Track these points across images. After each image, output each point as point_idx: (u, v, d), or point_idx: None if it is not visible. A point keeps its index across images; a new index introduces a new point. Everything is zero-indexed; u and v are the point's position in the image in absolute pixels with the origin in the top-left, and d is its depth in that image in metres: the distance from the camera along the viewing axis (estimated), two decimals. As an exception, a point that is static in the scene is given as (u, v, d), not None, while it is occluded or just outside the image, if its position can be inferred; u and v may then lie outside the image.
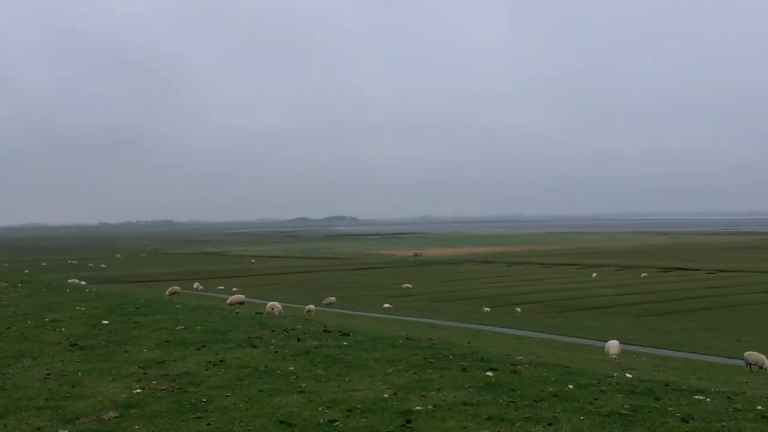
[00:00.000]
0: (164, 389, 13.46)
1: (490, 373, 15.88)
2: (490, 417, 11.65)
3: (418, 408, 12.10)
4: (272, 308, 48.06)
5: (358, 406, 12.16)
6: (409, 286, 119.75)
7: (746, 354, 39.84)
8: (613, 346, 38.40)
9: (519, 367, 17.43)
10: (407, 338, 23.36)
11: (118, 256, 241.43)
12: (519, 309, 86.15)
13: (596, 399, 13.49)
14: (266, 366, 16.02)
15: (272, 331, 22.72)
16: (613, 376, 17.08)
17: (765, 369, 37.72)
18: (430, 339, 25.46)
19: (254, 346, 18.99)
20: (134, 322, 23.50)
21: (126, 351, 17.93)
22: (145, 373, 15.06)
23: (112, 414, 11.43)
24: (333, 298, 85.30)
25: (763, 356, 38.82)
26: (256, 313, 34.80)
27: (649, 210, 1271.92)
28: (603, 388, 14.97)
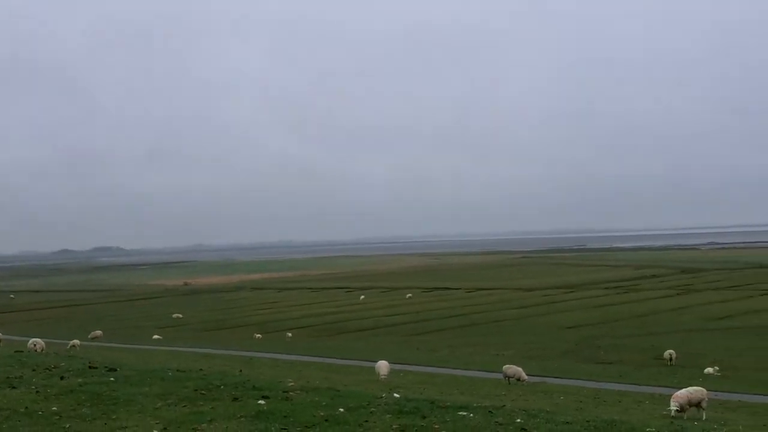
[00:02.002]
0: None
1: (262, 402, 16.02)
2: (262, 446, 11.79)
3: (190, 442, 12.03)
4: (34, 345, 45.62)
5: (127, 444, 11.92)
6: (180, 315, 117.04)
7: (504, 367, 42.03)
8: (382, 366, 39.33)
9: (291, 393, 17.68)
10: (178, 370, 23.05)
11: None
12: (290, 334, 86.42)
13: (366, 421, 13.96)
14: (27, 407, 15.30)
15: (33, 369, 21.71)
16: (381, 397, 17.69)
17: (522, 381, 40.02)
18: (201, 370, 25.23)
19: (13, 387, 18.07)
20: None
21: None
22: None
23: None
24: (99, 332, 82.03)
25: (519, 369, 41.15)
26: (16, 351, 33.09)
27: (409, 233, 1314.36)
28: (372, 409, 15.50)
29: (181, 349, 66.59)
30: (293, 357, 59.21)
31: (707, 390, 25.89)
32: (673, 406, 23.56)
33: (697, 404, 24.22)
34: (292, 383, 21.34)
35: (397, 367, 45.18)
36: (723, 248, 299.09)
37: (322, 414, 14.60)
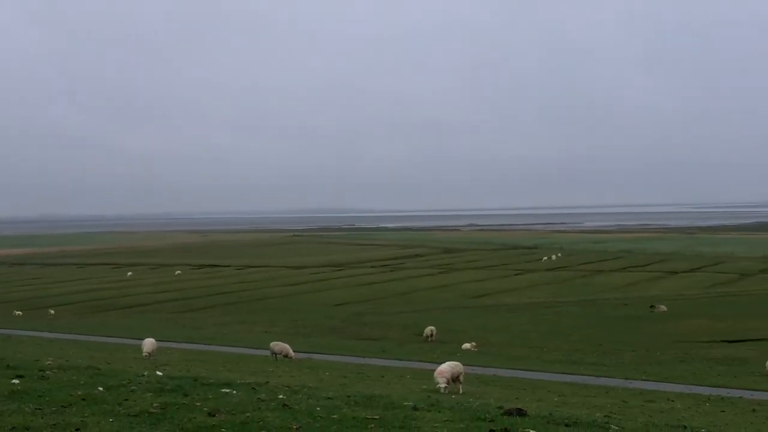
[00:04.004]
0: None
1: (16, 381, 15.51)
2: (14, 427, 11.49)
3: (-65, 425, 11.52)
4: None
5: None
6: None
7: (272, 344, 42.45)
8: (147, 344, 38.67)
9: (48, 372, 17.22)
10: None
11: None
12: (53, 311, 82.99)
13: (126, 400, 13.87)
14: None
15: None
16: (143, 375, 17.60)
17: (289, 357, 40.60)
18: (-51, 350, 23.90)
19: None
20: None
21: None
22: None
23: None
24: None
25: (287, 345, 41.71)
26: None
27: (177, 209, 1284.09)
28: (133, 387, 15.41)
29: (-72, 328, 62.24)
30: (55, 335, 56.98)
31: (464, 364, 27.41)
32: (442, 383, 24.61)
33: (456, 378, 25.53)
34: (50, 362, 20.72)
35: (165, 344, 44.56)
36: (481, 230, 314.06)
37: (79, 393, 14.34)
